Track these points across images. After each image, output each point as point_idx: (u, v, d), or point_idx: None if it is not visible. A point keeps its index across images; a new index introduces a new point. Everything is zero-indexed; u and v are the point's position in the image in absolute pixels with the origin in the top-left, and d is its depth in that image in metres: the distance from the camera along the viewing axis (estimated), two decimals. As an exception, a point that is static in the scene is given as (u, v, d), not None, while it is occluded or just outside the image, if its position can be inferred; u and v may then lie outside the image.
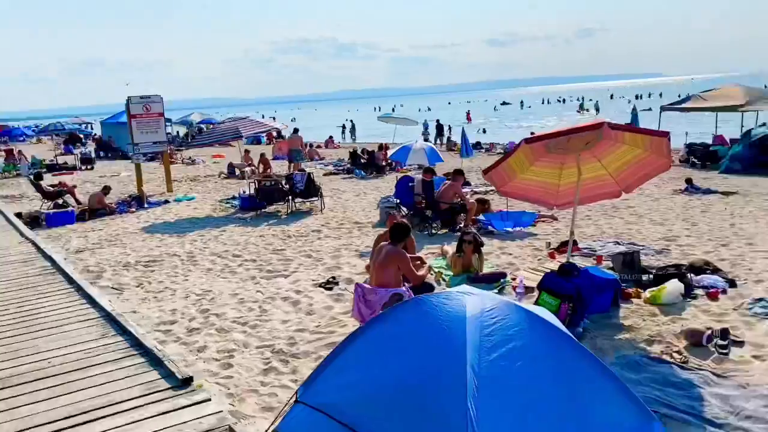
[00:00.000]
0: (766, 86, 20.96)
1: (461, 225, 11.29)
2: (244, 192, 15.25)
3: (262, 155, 21.04)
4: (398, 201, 12.16)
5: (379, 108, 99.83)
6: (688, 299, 7.03)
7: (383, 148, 23.37)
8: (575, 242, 9.75)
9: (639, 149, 6.79)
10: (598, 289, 6.66)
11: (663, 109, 23.05)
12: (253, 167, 21.05)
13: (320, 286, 8.29)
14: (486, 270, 8.51)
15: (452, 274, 8.31)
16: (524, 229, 11.28)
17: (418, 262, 6.97)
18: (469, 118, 59.21)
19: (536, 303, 6.39)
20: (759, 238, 10.03)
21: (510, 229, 11.18)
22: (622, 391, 3.85)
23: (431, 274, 8.34)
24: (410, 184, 11.97)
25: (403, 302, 4.52)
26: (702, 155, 20.50)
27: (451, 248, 9.03)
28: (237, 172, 21.82)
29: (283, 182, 14.31)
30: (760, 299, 6.89)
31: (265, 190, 14.16)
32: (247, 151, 22.53)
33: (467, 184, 15.81)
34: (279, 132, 39.72)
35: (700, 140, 22.92)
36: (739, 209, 12.69)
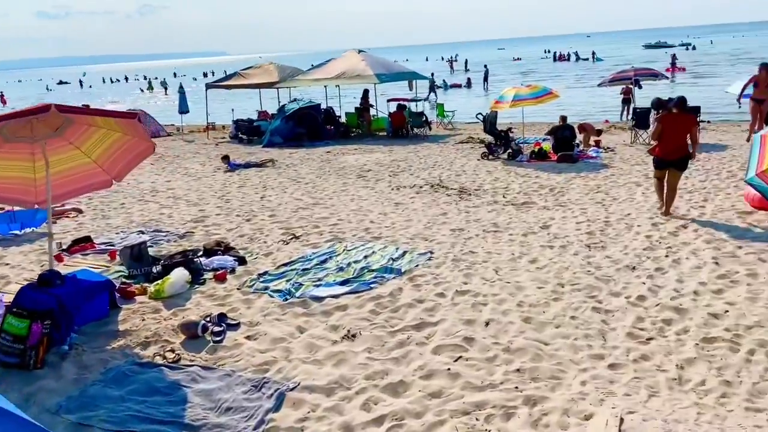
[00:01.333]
0: (312, 65, 23.16)
1: (-50, 235, 9.04)
2: None
3: None
4: None
5: None
6: (197, 286, 6.74)
7: None
8: (89, 239, 8.69)
9: (118, 133, 6.09)
10: (88, 295, 5.79)
11: (208, 86, 23.32)
12: None
13: None
14: (-34, 291, 6.80)
15: None
16: (38, 230, 9.66)
17: None
18: (3, 101, 51.26)
19: (1, 328, 5.17)
20: (281, 208, 10.61)
21: (18, 232, 9.43)
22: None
23: None
24: None
25: None
26: (247, 130, 21.48)
27: None
28: None
29: None
30: (264, 273, 7.04)
31: None
32: None
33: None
34: None
35: (246, 116, 24.06)
36: (271, 180, 13.41)
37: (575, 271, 6.68)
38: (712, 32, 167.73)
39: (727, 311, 5.46)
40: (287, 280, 6.68)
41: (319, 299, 6.17)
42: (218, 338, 5.44)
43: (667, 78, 20.94)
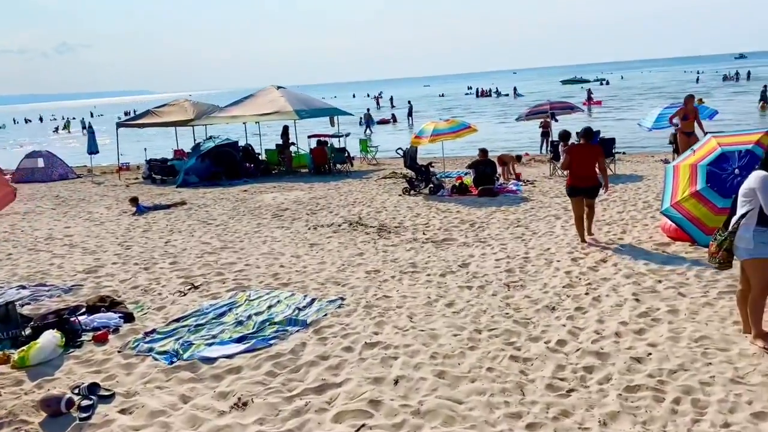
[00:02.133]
0: (237, 99, 21.93)
1: None
2: None
3: None
4: None
5: None
6: (72, 350, 5.89)
7: None
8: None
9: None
10: (-73, 371, 4.88)
11: (119, 125, 22.23)
12: None
13: None
14: None
15: None
16: None
17: None
18: None
19: None
20: (186, 253, 9.81)
21: None
22: None
23: None
24: None
25: None
26: (161, 170, 20.49)
27: None
28: None
29: None
30: (152, 331, 6.26)
31: None
32: None
33: None
34: None
35: (162, 156, 23.08)
36: (180, 223, 12.56)
37: (493, 314, 6.25)
38: (623, 68, 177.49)
39: (650, 354, 5.12)
40: (176, 339, 5.93)
41: (210, 360, 5.46)
42: (86, 414, 4.64)
43: (582, 111, 21.49)
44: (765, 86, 37.40)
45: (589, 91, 50.73)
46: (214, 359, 5.46)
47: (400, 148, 15.64)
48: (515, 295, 6.85)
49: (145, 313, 6.88)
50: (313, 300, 6.89)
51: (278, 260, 9.07)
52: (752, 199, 4.95)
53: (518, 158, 16.25)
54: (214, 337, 5.94)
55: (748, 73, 68.72)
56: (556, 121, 19.27)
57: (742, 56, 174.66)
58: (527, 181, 15.19)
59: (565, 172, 10.00)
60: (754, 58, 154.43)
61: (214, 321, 6.39)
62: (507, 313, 6.26)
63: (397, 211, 12.54)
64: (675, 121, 14.09)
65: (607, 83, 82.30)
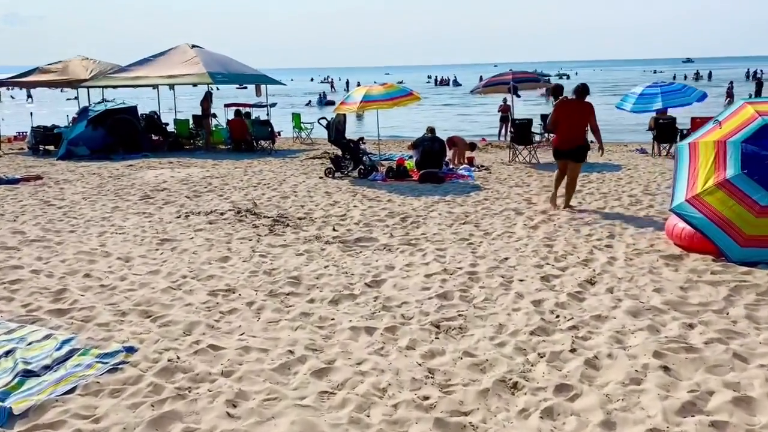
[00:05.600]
0: (144, 58, 18.20)
1: None
2: None
3: None
4: None
5: None
6: None
7: None
8: None
9: None
10: None
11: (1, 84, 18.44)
12: None
13: None
14: None
15: None
16: None
17: None
18: None
19: None
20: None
21: None
22: None
23: None
24: None
25: None
26: (44, 139, 16.91)
27: None
28: None
29: None
30: None
31: None
32: None
33: None
34: None
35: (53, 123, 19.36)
36: (14, 204, 9.22)
37: (397, 401, 3.19)
38: (577, 67, 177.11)
39: None
40: None
41: None
42: None
43: (547, 82, 18.68)
44: (731, 83, 35.72)
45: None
46: None
47: (323, 118, 12.42)
48: (446, 350, 3.82)
49: None
50: (71, 352, 3.71)
51: (92, 264, 5.86)
52: None
53: (472, 146, 13.27)
54: None
55: (710, 74, 68.08)
56: (519, 96, 16.35)
57: (689, 60, 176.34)
58: (481, 166, 12.26)
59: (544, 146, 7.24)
60: (699, 63, 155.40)
61: None
62: (424, 398, 3.22)
63: (310, 197, 9.44)
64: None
65: (568, 78, 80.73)
